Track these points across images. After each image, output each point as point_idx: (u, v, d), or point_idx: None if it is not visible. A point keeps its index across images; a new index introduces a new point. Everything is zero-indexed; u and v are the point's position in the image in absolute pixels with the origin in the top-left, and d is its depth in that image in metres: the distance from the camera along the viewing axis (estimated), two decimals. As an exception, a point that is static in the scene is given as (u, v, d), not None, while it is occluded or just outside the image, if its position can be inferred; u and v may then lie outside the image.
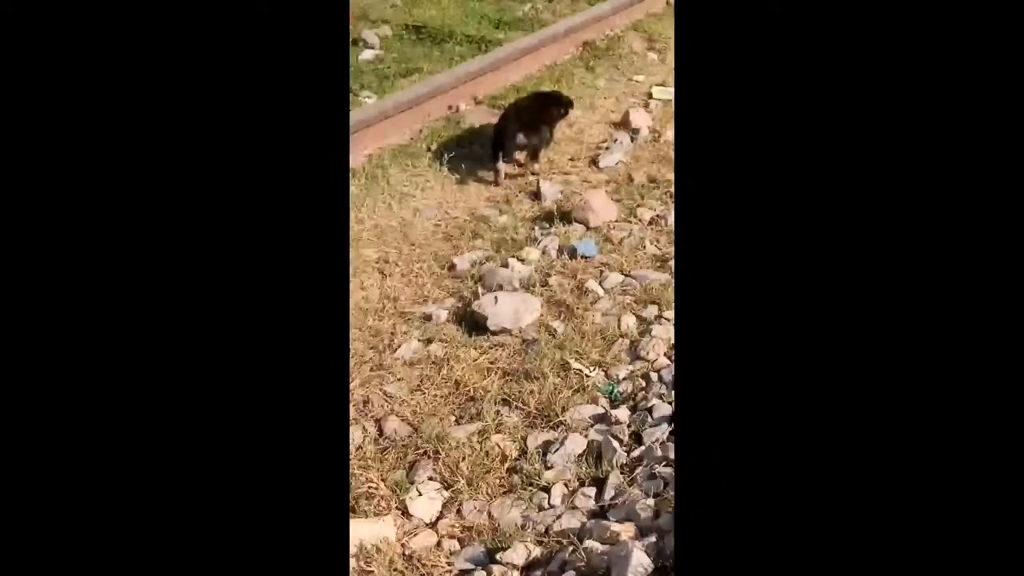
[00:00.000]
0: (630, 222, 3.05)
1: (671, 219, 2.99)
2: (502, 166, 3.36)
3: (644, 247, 2.86)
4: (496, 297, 2.52)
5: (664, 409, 2.09)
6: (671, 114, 3.82)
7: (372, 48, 4.59)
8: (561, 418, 2.12)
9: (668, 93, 4.03)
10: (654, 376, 2.23)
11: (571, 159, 3.53)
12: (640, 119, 3.75)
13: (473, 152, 3.48)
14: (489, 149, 3.40)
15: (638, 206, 3.13)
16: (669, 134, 3.63)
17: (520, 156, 3.46)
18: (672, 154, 3.39)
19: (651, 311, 2.52)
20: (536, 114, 3.48)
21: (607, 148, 3.58)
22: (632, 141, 3.65)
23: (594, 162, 3.47)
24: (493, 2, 5.71)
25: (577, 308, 2.53)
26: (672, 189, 3.13)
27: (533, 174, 3.43)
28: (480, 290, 2.63)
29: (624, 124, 3.77)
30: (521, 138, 3.40)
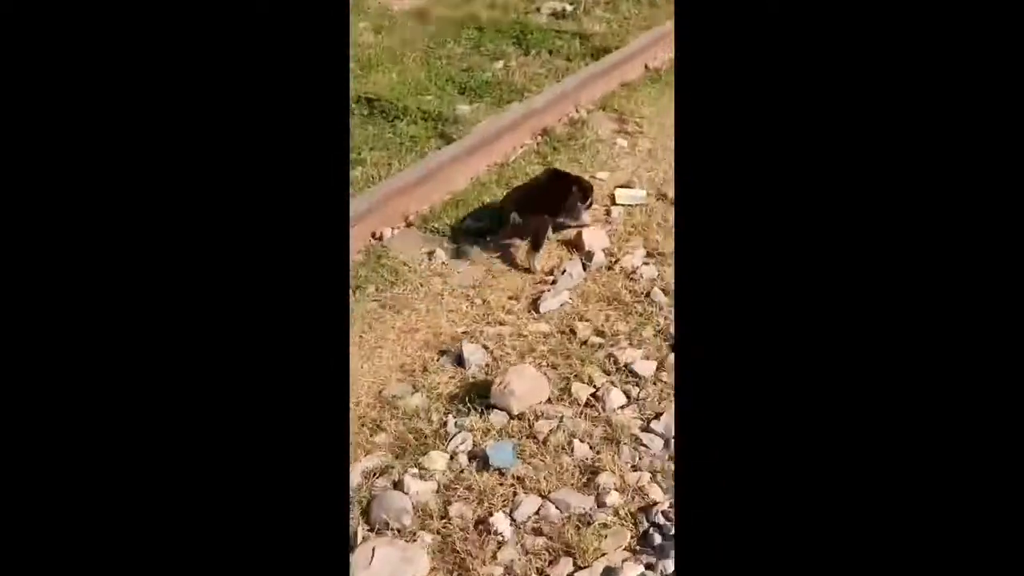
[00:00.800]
0: (563, 401, 2.55)
1: (612, 397, 2.51)
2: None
3: (572, 449, 2.36)
4: (373, 550, 2.04)
5: None
6: (633, 226, 3.38)
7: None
8: None
9: (634, 196, 3.50)
10: None
11: (510, 298, 3.02)
12: (595, 239, 3.24)
13: (396, 297, 3.01)
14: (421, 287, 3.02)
15: (575, 376, 2.62)
16: (628, 258, 3.12)
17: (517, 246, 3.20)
18: (627, 287, 3.05)
19: (563, 568, 2.02)
20: (544, 197, 3.21)
21: (553, 281, 3.06)
22: (585, 269, 3.13)
23: (535, 304, 2.95)
24: (462, 58, 5.18)
25: (472, 565, 2.04)
26: (616, 349, 2.76)
27: (526, 270, 3.15)
28: (362, 529, 2.15)
29: (576, 245, 3.25)
30: (516, 217, 3.15)
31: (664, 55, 4.55)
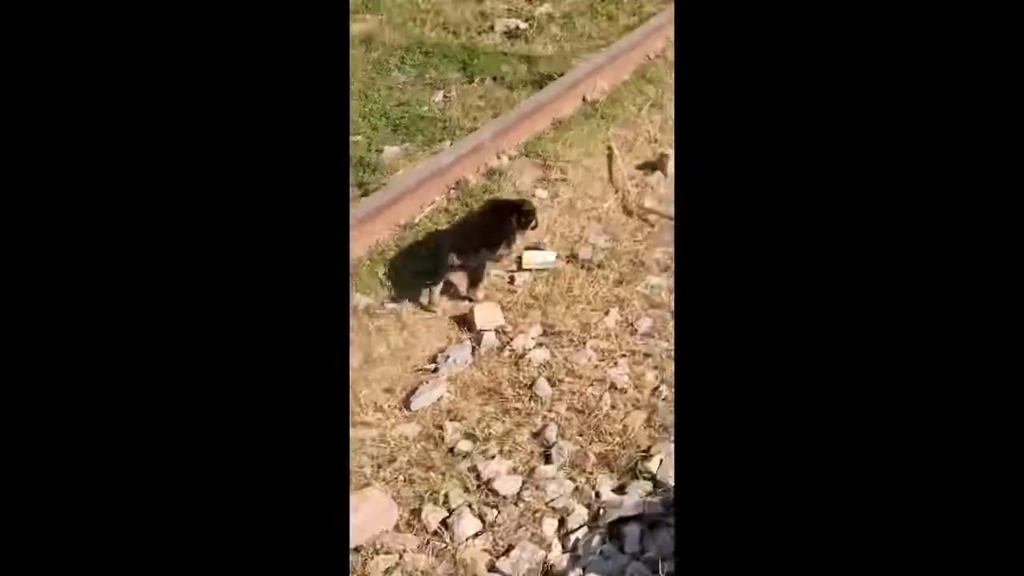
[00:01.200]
0: (412, 528, 2.29)
1: (463, 524, 2.26)
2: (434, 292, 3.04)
3: (406, 595, 2.10)
4: None
5: None
6: (535, 297, 3.11)
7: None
8: None
9: (543, 260, 3.20)
10: None
11: (386, 389, 2.75)
12: (488, 316, 2.96)
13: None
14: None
15: (430, 495, 2.35)
16: (521, 338, 2.83)
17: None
18: (511, 377, 2.79)
19: None
20: (481, 232, 3.09)
21: (435, 369, 2.78)
22: (473, 352, 2.85)
23: (408, 400, 2.68)
24: (403, 88, 4.90)
25: None
26: (482, 459, 2.52)
27: (470, 300, 3.06)
28: None
29: (467, 323, 2.96)
30: (453, 259, 3.01)
31: (604, 83, 4.19)
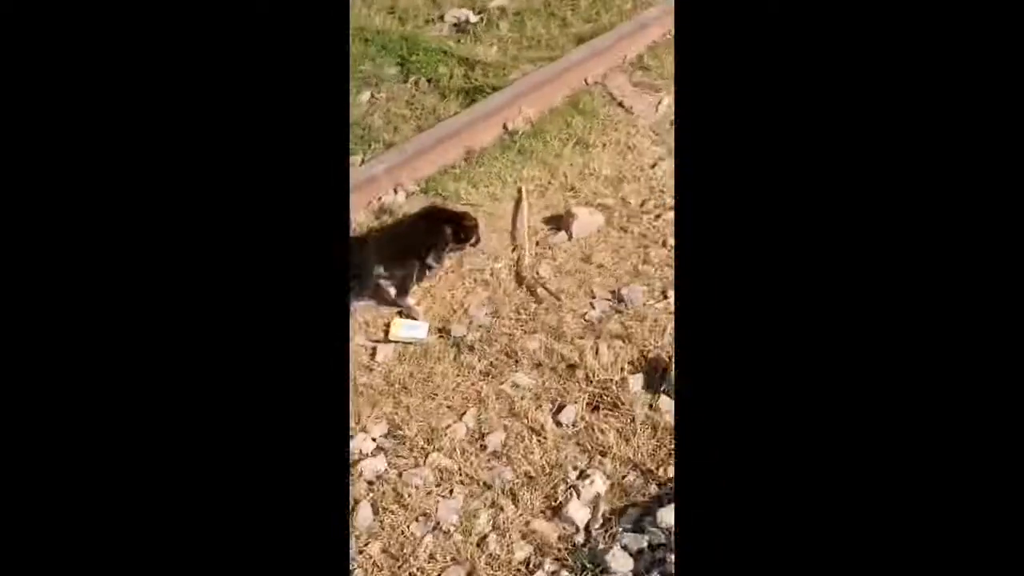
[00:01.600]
0: None
1: None
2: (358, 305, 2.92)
3: None
4: None
5: None
6: (389, 384, 2.80)
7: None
8: None
9: (412, 332, 2.86)
10: None
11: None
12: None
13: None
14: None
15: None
16: (361, 439, 2.51)
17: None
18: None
19: None
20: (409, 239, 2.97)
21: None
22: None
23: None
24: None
25: None
26: None
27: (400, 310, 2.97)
28: None
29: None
30: (380, 271, 2.93)
31: (529, 110, 3.77)
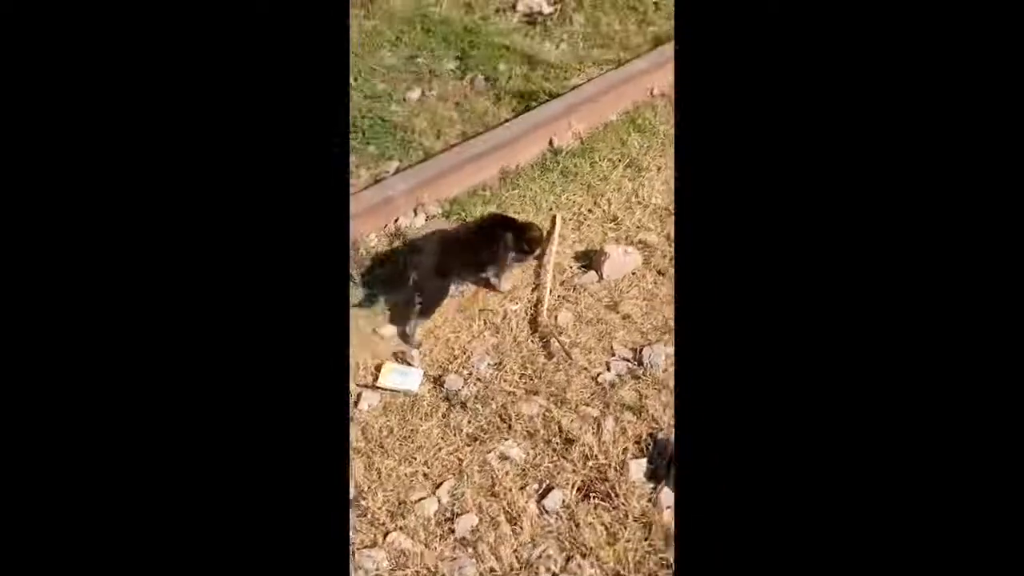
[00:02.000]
0: None
1: None
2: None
3: None
4: None
5: None
6: (371, 440, 2.53)
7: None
8: None
9: (403, 379, 2.59)
10: None
11: None
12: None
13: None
14: None
15: None
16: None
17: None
18: None
19: None
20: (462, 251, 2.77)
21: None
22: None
23: None
24: (385, 75, 4.30)
25: None
26: None
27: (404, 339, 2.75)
28: None
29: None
30: (414, 276, 2.74)
31: (580, 125, 3.38)
